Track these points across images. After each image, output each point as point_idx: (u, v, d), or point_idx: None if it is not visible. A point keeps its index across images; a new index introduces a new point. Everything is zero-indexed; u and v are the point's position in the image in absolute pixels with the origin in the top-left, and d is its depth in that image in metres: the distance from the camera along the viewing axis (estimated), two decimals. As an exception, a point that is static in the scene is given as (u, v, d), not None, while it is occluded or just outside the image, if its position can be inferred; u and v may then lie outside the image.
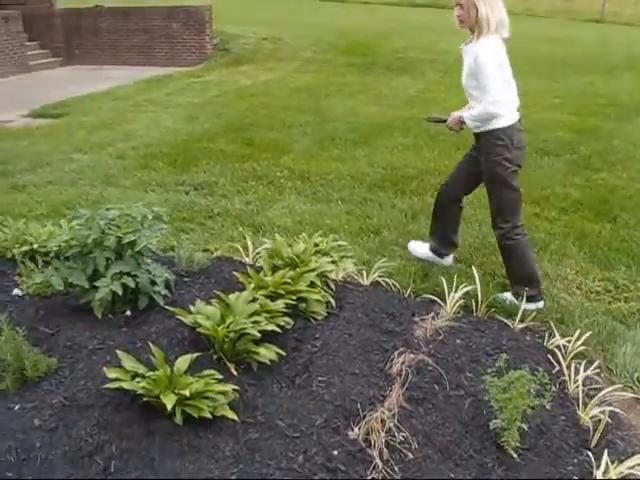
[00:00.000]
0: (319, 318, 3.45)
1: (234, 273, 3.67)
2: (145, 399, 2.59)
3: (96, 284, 3.15)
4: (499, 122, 3.82)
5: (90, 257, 3.20)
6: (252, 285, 3.32)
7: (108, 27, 15.55)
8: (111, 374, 2.67)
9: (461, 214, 4.57)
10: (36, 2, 15.33)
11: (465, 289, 4.02)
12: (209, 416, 2.57)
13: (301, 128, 8.76)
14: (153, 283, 3.28)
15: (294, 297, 3.35)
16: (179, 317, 3.10)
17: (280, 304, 3.23)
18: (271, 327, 3.01)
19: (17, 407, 2.68)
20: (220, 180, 6.44)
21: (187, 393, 2.53)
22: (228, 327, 2.94)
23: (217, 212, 5.60)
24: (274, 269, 3.65)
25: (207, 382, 2.65)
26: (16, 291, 3.63)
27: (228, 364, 2.93)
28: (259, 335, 2.93)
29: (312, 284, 3.51)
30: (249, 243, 4.53)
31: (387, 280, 4.24)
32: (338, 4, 26.91)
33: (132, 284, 3.16)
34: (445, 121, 4.33)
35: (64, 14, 15.73)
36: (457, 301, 3.96)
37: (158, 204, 5.66)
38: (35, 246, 4.02)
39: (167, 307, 3.27)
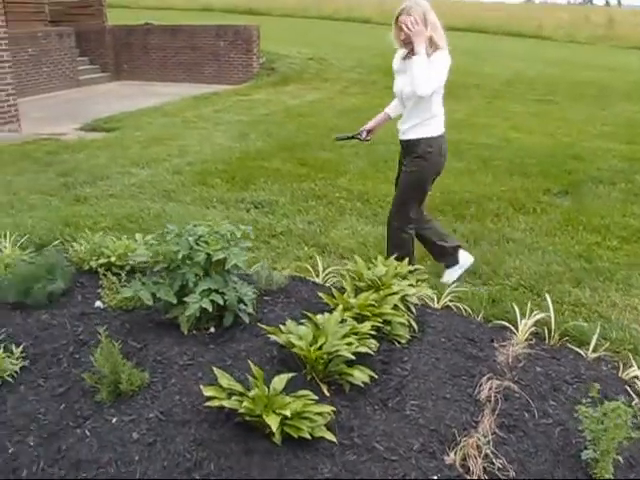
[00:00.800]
0: (403, 341, 3.43)
1: (319, 294, 3.67)
2: (244, 418, 2.58)
3: (185, 300, 3.16)
4: (431, 131, 4.25)
5: (179, 273, 3.21)
6: (340, 307, 3.31)
7: (157, 44, 15.79)
8: (208, 392, 2.67)
9: (433, 220, 4.92)
10: (89, 19, 15.60)
11: (537, 316, 3.97)
12: (308, 437, 2.55)
13: (352, 149, 8.77)
14: (240, 301, 3.28)
15: (380, 320, 3.34)
16: (272, 336, 3.09)
17: (367, 326, 3.21)
18: (364, 349, 2.99)
19: (115, 420, 2.69)
20: (280, 199, 6.47)
21: (288, 413, 2.52)
22: (321, 348, 2.93)
23: (280, 231, 5.62)
24: (356, 291, 3.64)
25: (305, 403, 2.63)
26: (98, 303, 3.66)
27: (321, 385, 2.92)
28: (353, 357, 2.92)
29: (395, 307, 3.50)
30: (319, 263, 4.53)
31: (458, 305, 4.21)
32: (379, 27, 27.02)
33: (221, 301, 3.17)
34: (353, 137, 4.78)
35: (115, 31, 16.01)
36: (529, 328, 3.92)
37: (220, 221, 5.75)
38: (112, 259, 4.05)
39: (260, 325, 3.27)
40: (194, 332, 3.32)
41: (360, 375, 2.94)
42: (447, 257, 4.81)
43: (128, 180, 7.13)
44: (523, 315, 3.99)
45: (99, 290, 3.73)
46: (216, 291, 3.20)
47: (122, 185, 6.93)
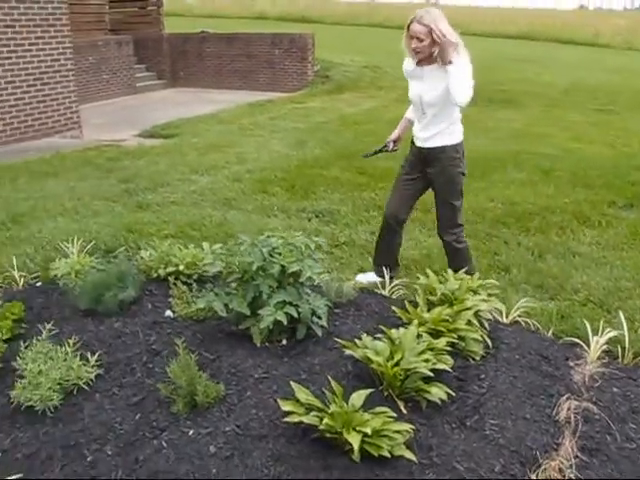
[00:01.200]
0: (477, 358, 3.35)
1: (393, 308, 3.62)
2: (323, 434, 2.54)
3: (259, 312, 3.14)
4: (455, 138, 4.27)
5: (252, 284, 3.19)
6: (415, 322, 3.25)
7: (212, 52, 15.96)
8: (285, 406, 2.64)
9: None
10: (147, 27, 15.86)
11: (610, 334, 3.85)
12: (388, 455, 2.50)
13: (411, 158, 8.70)
14: (313, 314, 3.24)
15: (455, 335, 3.27)
16: (348, 351, 3.05)
17: (442, 342, 3.15)
18: (442, 366, 2.93)
19: (191, 432, 2.67)
20: (341, 208, 6.43)
21: (368, 431, 2.47)
22: (398, 364, 2.87)
23: (343, 241, 5.58)
24: (429, 305, 3.58)
25: (385, 420, 2.58)
26: (168, 313, 3.67)
27: (397, 401, 2.86)
28: (431, 374, 2.86)
29: (469, 322, 3.43)
30: (386, 276, 4.48)
31: (527, 320, 4.11)
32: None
33: (295, 314, 3.14)
34: (381, 151, 4.79)
35: (171, 39, 16.24)
36: (601, 346, 3.79)
37: (282, 230, 5.74)
38: (181, 268, 4.07)
39: (337, 339, 3.22)
40: (266, 344, 3.29)
41: (438, 392, 2.88)
42: (381, 265, 4.62)
43: (188, 187, 7.18)
44: (594, 332, 3.87)
45: (169, 299, 3.74)
46: (290, 303, 3.17)
47: (183, 192, 6.98)
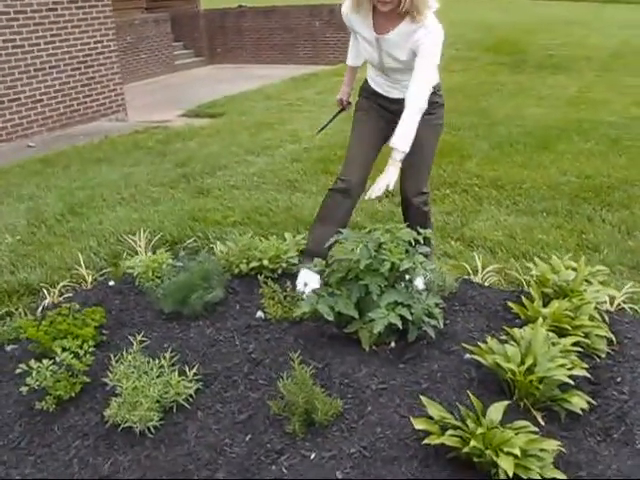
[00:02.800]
0: (602, 356, 3.03)
1: (509, 304, 3.31)
2: (460, 453, 2.26)
3: (370, 315, 2.85)
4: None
5: (360, 284, 2.90)
6: (540, 320, 2.94)
7: (250, 26, 15.60)
8: (419, 425, 2.36)
9: None
10: (184, 4, 15.54)
11: None
12: (538, 478, 2.20)
13: (471, 131, 8.31)
14: (428, 314, 2.94)
15: (581, 333, 2.95)
16: (475, 357, 2.75)
17: (569, 341, 2.84)
18: (582, 373, 2.62)
19: (313, 456, 2.41)
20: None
21: (517, 452, 2.18)
22: (531, 370, 2.57)
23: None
24: (543, 298, 3.27)
25: (530, 438, 2.29)
26: (259, 314, 3.40)
27: (534, 412, 2.57)
28: (571, 382, 2.56)
29: (591, 317, 3.10)
30: (478, 262, 4.16)
31: (633, 306, 3.76)
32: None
33: (409, 316, 2.85)
34: (336, 116, 4.17)
35: (208, 15, 15.90)
36: None
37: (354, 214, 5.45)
38: (265, 262, 3.79)
39: (454, 342, 2.94)
40: (374, 348, 3.01)
41: (579, 401, 2.58)
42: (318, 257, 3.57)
43: (247, 169, 6.89)
44: None
45: (254, 297, 3.48)
46: (401, 304, 2.88)
47: (242, 175, 6.69)
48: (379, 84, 3.67)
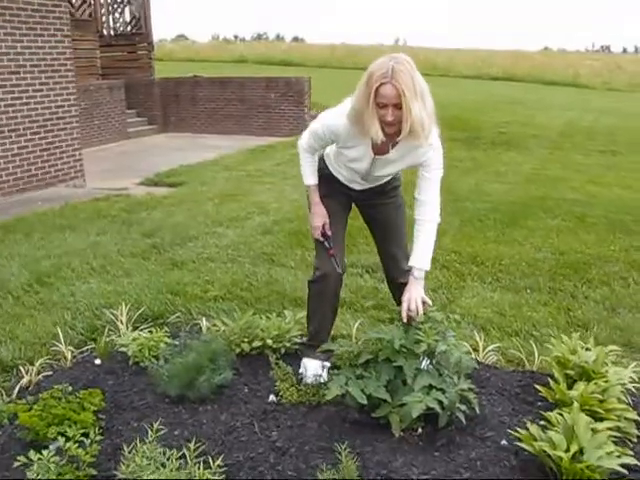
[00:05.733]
0: (634, 440, 2.95)
1: (536, 386, 3.21)
2: None
3: (406, 399, 2.71)
4: None
5: (393, 365, 2.76)
6: (576, 404, 2.84)
7: (205, 96, 15.63)
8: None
9: None
10: (138, 72, 15.51)
11: None
12: None
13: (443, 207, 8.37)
14: (463, 400, 2.81)
15: (614, 417, 2.86)
16: (520, 444, 2.62)
17: (604, 426, 2.75)
18: (632, 460, 2.52)
19: None
20: (390, 262, 6.03)
21: None
22: (578, 458, 2.46)
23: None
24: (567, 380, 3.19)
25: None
26: (272, 397, 3.21)
27: (586, 505, 2.44)
28: (625, 472, 2.45)
29: (619, 400, 3.03)
30: (479, 341, 4.08)
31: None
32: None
33: (445, 400, 2.71)
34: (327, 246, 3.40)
35: (162, 83, 15.89)
36: None
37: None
38: (269, 342, 3.62)
39: (512, 431, 2.79)
40: (401, 434, 2.85)
41: (630, 495, 2.46)
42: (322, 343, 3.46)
43: (219, 241, 6.73)
44: None
45: (261, 378, 3.30)
46: (435, 387, 2.74)
47: (215, 247, 6.52)
48: (348, 180, 3.43)
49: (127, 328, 4.22)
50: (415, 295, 3.14)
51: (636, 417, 3.00)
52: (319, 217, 3.40)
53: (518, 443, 2.66)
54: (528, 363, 3.92)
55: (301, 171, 3.48)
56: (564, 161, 12.30)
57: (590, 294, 5.49)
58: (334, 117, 3.18)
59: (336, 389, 2.78)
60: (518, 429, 2.75)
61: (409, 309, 3.09)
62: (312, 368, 3.38)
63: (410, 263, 3.25)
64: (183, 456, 2.61)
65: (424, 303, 3.15)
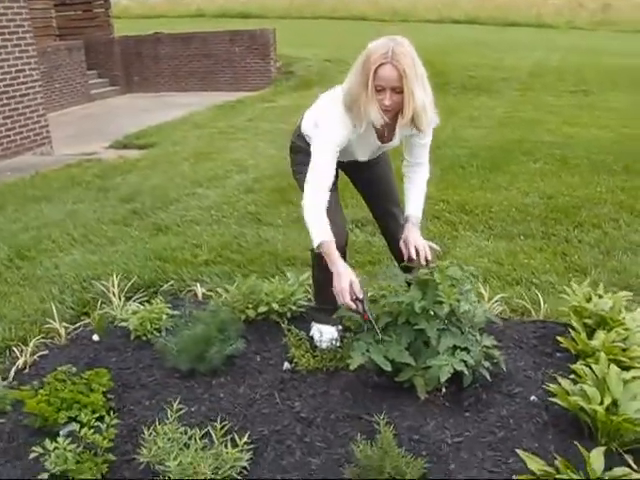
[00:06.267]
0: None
1: (557, 337, 3.14)
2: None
3: (432, 361, 2.61)
4: None
5: (415, 329, 2.66)
6: (603, 355, 2.77)
7: (168, 53, 15.17)
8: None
9: None
10: (97, 31, 14.97)
11: None
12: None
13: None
14: (488, 357, 2.73)
15: (638, 365, 2.82)
16: (555, 400, 2.56)
17: (630, 375, 2.69)
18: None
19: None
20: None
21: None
22: (613, 410, 2.41)
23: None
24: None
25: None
26: (286, 365, 3.10)
27: (624, 455, 2.39)
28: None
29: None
30: (484, 292, 4.01)
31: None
32: (378, 24, 26.50)
33: (471, 361, 2.63)
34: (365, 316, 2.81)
35: (122, 42, 15.36)
36: None
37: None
38: (275, 306, 3.50)
39: (550, 388, 2.71)
40: (426, 396, 2.77)
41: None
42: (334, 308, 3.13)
43: (201, 202, 6.54)
44: None
45: (271, 346, 3.20)
46: (459, 347, 2.65)
47: (198, 209, 6.34)
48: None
49: (120, 300, 4.07)
50: (420, 241, 3.05)
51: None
52: (345, 277, 2.72)
53: (551, 398, 2.60)
54: (534, 312, 3.87)
55: (310, 231, 2.89)
56: (536, 103, 12.21)
57: (583, 238, 5.44)
58: (333, 126, 2.90)
59: (359, 358, 2.67)
60: (549, 384, 2.68)
61: (417, 254, 2.98)
62: (328, 333, 3.26)
63: (407, 212, 3.19)
64: (206, 435, 2.50)
65: (431, 249, 3.03)
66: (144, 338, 3.45)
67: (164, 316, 3.48)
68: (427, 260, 3.00)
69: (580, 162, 7.79)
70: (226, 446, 2.39)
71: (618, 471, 2.23)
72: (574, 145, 8.71)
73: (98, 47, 14.90)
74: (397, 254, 3.40)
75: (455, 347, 2.68)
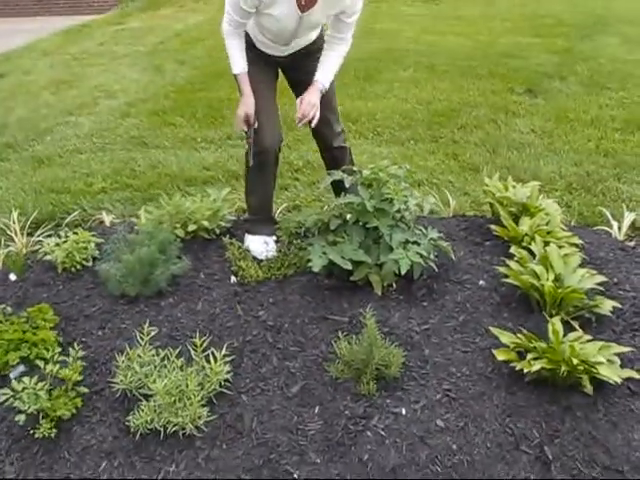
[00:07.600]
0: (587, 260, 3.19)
1: (490, 226, 3.32)
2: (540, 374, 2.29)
3: (389, 257, 2.70)
4: None
5: (365, 228, 2.73)
6: (538, 237, 2.98)
7: (-7, -25, 13.85)
8: (501, 356, 2.38)
9: None
10: None
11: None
12: (618, 380, 2.27)
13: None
14: (436, 248, 2.86)
15: (566, 245, 3.06)
16: (508, 281, 2.74)
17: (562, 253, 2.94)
18: (602, 278, 2.74)
19: (404, 411, 2.26)
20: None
21: (603, 360, 2.27)
22: (558, 285, 2.63)
23: (301, 165, 5.17)
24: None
25: (602, 345, 2.36)
26: (233, 279, 3.09)
27: (571, 322, 2.63)
28: (601, 288, 2.67)
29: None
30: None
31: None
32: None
33: (425, 253, 2.74)
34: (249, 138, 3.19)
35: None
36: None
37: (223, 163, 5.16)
38: (205, 223, 3.44)
39: (514, 265, 2.85)
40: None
41: (608, 304, 2.69)
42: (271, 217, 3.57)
43: (78, 130, 6.19)
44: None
45: (210, 262, 3.20)
46: (410, 242, 2.76)
47: (76, 137, 6.00)
48: (270, 47, 3.24)
49: (22, 236, 3.85)
50: (313, 99, 3.06)
51: (578, 241, 3.20)
52: (245, 107, 3.09)
53: (503, 279, 2.78)
54: (444, 209, 4.03)
55: (229, 58, 3.13)
56: (392, 13, 12.34)
57: (469, 138, 5.69)
58: None
59: (319, 260, 2.71)
60: (498, 267, 2.86)
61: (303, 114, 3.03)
62: (265, 242, 3.28)
63: (316, 77, 3.17)
64: (180, 354, 2.48)
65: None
66: (73, 270, 3.29)
67: (92, 244, 3.33)
68: (310, 121, 3.09)
69: (448, 69, 8.01)
70: (209, 362, 2.38)
71: (572, 335, 2.46)
72: (438, 53, 8.93)
73: None
74: (329, 165, 3.46)
75: (407, 241, 2.77)
